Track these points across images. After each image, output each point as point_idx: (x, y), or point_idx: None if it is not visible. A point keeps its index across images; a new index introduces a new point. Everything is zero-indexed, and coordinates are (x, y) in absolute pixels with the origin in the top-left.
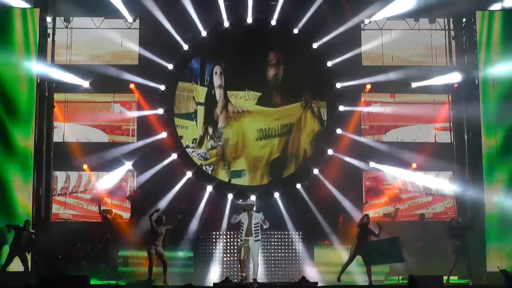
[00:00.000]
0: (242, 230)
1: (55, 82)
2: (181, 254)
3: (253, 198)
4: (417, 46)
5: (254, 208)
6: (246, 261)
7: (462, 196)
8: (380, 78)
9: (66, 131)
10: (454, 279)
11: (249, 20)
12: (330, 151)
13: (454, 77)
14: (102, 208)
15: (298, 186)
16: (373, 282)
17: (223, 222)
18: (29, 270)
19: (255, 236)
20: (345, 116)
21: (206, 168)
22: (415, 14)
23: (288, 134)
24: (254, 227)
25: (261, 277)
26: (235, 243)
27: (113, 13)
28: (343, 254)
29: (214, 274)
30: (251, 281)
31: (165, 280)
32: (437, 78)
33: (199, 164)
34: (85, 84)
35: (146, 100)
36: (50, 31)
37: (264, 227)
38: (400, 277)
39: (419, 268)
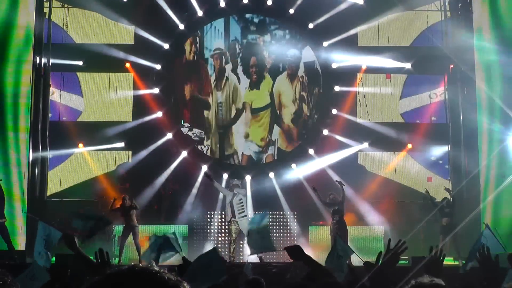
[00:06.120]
0: (227, 211)
1: (52, 61)
2: (175, 233)
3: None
4: (413, 26)
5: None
6: (237, 241)
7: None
8: (376, 58)
9: (61, 110)
10: (449, 259)
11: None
12: (325, 131)
13: (450, 58)
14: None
15: (293, 166)
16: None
17: (218, 202)
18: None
19: (240, 213)
20: (341, 96)
21: (201, 147)
22: None
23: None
24: (239, 205)
25: (255, 257)
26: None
27: None
28: None
29: None
30: (246, 261)
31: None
32: (432, 58)
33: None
34: (81, 63)
35: (142, 79)
36: (46, 10)
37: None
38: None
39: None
